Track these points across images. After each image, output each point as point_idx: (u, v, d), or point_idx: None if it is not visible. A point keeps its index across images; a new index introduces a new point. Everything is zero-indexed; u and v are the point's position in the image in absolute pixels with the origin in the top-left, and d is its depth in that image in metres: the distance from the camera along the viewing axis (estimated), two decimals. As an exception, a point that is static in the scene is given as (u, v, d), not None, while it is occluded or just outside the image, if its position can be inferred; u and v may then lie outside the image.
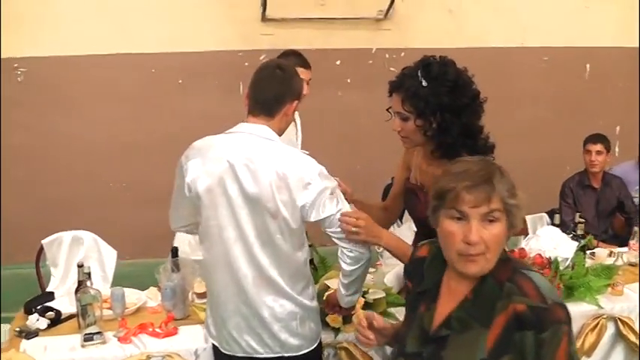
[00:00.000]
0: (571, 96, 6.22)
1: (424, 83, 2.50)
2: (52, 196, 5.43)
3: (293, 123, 3.75)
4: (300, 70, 3.60)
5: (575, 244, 3.53)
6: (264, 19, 5.62)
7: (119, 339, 2.92)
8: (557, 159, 5.90)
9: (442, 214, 1.71)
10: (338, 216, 2.40)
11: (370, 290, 3.06)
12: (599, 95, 6.26)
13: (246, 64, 5.58)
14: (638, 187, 4.98)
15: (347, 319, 2.93)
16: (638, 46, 5.99)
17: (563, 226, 4.65)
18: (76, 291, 2.95)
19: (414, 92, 2.50)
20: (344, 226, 2.41)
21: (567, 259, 3.41)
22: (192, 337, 2.95)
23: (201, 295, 3.25)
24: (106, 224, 4.55)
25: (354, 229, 2.41)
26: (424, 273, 1.87)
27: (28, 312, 3.15)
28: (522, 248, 3.48)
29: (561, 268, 3.36)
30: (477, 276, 1.70)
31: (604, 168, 4.82)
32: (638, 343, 3.25)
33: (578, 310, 3.23)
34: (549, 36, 6.07)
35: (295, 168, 2.36)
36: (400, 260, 2.59)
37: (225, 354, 2.56)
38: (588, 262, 3.67)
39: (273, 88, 2.43)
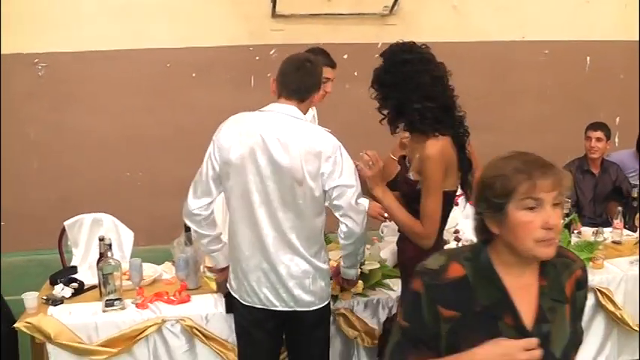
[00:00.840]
0: (572, 89, 6.36)
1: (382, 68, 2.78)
2: (67, 186, 5.66)
3: (314, 120, 3.94)
4: (327, 70, 3.76)
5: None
6: (274, 15, 5.81)
7: (137, 305, 3.21)
8: (558, 151, 5.83)
9: (511, 207, 1.65)
10: (349, 191, 2.69)
11: (366, 262, 3.27)
12: (600, 88, 6.39)
13: (257, 58, 5.82)
14: (633, 173, 5.15)
15: (343, 288, 3.16)
16: (638, 39, 6.13)
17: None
18: (98, 262, 3.20)
19: (375, 76, 2.81)
20: (365, 157, 2.74)
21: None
22: (204, 304, 3.24)
23: (212, 269, 3.46)
24: (120, 214, 4.77)
25: (370, 163, 2.72)
26: (473, 290, 1.73)
27: (54, 283, 3.45)
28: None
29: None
30: (545, 259, 1.71)
31: (603, 154, 5.00)
32: (616, 312, 3.51)
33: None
34: (550, 30, 6.22)
35: (320, 143, 2.70)
36: (391, 215, 2.88)
37: (245, 305, 2.83)
38: (574, 240, 3.88)
39: (306, 78, 2.78)
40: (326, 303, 2.87)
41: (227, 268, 2.95)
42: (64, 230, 4.21)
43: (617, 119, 6.42)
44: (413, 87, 2.70)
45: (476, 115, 6.14)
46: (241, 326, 2.91)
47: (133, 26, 5.66)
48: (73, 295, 3.34)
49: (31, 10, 5.50)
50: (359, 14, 5.93)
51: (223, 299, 3.11)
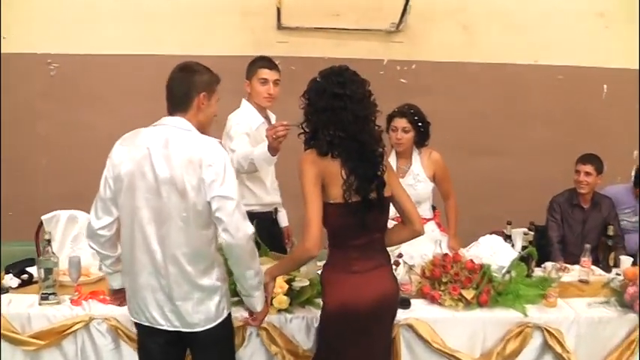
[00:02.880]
0: (586, 117, 6.18)
1: None
2: (74, 182, 5.80)
3: (266, 125, 3.94)
4: (264, 71, 3.86)
5: (513, 254, 3.61)
6: (279, 27, 5.87)
7: (71, 301, 3.30)
8: (566, 179, 5.84)
9: None
10: (229, 203, 2.62)
11: (297, 278, 3.26)
12: (616, 118, 6.19)
13: (261, 69, 5.88)
14: (627, 210, 4.95)
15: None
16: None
17: (548, 241, 4.71)
18: (38, 257, 3.30)
19: (308, 91, 2.85)
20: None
21: (503, 267, 3.51)
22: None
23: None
24: None
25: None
26: None
27: (7, 273, 3.58)
28: (457, 253, 3.60)
29: (497, 275, 3.47)
30: None
31: (593, 189, 4.73)
32: (564, 355, 3.33)
33: (504, 317, 3.37)
34: (565, 55, 6.07)
35: (202, 152, 2.63)
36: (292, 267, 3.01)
37: (134, 321, 2.88)
38: (539, 274, 3.76)
39: (179, 87, 2.74)
40: (216, 323, 2.79)
41: (122, 290, 2.94)
42: (41, 224, 4.37)
43: (635, 152, 6.25)
44: (334, 120, 2.73)
45: (482, 138, 6.20)
46: (139, 336, 2.93)
47: (143, 32, 5.82)
48: (21, 285, 3.46)
49: (46, 11, 5.73)
50: (365, 30, 5.92)
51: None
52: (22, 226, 5.10)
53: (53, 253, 3.32)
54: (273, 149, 3.43)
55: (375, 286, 2.83)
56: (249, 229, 2.67)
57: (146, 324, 2.79)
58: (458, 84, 6.05)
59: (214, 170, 2.61)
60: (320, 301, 3.25)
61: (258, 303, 2.84)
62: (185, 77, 2.74)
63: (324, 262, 2.99)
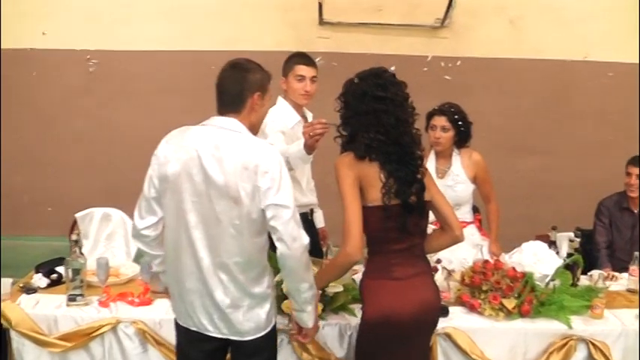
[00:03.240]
0: (638, 116, 5.88)
1: None
2: (109, 180, 5.83)
3: (302, 123, 3.84)
4: (301, 68, 3.74)
5: (558, 262, 3.43)
6: (321, 22, 5.76)
7: (99, 303, 3.23)
8: (616, 180, 5.60)
9: None
10: (285, 212, 2.49)
11: (330, 284, 3.12)
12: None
13: (302, 65, 5.78)
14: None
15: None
16: None
17: (595, 247, 4.50)
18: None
19: (345, 93, 2.80)
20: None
21: (546, 275, 3.33)
22: (163, 309, 3.18)
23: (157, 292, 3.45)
24: None
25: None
26: None
27: (37, 272, 3.52)
28: (498, 260, 3.44)
29: (540, 284, 3.30)
30: None
31: None
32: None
33: (547, 328, 3.18)
34: (616, 51, 5.82)
35: (258, 157, 2.48)
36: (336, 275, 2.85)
37: (182, 326, 2.73)
38: (586, 283, 3.57)
39: (231, 87, 2.57)
40: (265, 332, 2.67)
41: None
42: (75, 222, 4.34)
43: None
44: (375, 123, 2.64)
45: (528, 137, 6.00)
46: (179, 344, 2.81)
47: (181, 28, 5.78)
48: (50, 285, 3.40)
49: (85, 7, 5.73)
50: (409, 25, 5.78)
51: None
52: (61, 221, 5.11)
53: (81, 253, 3.26)
54: (309, 147, 3.30)
55: (417, 293, 2.70)
56: (305, 239, 2.54)
57: (194, 329, 2.67)
58: (504, 81, 5.88)
59: (270, 177, 2.47)
60: (354, 307, 3.16)
61: (310, 319, 2.70)
62: (238, 76, 2.58)
63: (361, 265, 2.89)
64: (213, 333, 2.64)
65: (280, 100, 3.88)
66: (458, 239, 2.87)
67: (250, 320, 2.62)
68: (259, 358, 2.73)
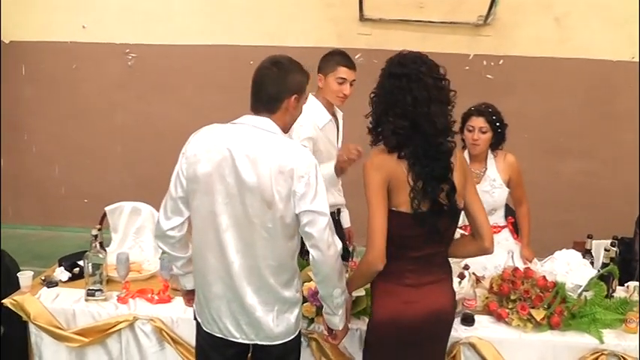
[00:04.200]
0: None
1: None
2: (143, 171, 5.86)
3: (333, 123, 3.77)
4: (343, 70, 3.62)
5: (592, 272, 3.27)
6: (361, 18, 5.68)
7: (118, 299, 3.20)
8: None
9: None
10: (321, 220, 2.41)
11: (352, 288, 3.05)
12: None
13: (342, 62, 5.71)
14: None
15: (320, 310, 2.94)
16: None
17: (635, 257, 4.30)
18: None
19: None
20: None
21: (579, 286, 3.18)
22: (181, 307, 3.11)
23: (178, 291, 3.42)
24: None
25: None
26: None
27: (60, 265, 3.50)
28: (529, 268, 3.29)
29: (572, 295, 3.15)
30: None
31: None
32: (643, 386, 2.97)
33: (578, 341, 3.01)
34: (665, 52, 5.60)
35: (294, 161, 2.39)
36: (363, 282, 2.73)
37: (206, 331, 2.66)
38: (622, 295, 3.41)
39: (270, 86, 2.45)
40: (293, 337, 2.61)
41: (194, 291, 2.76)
42: (104, 215, 4.33)
43: None
44: (392, 103, 2.47)
45: (570, 139, 5.83)
46: (201, 347, 2.74)
47: (221, 22, 5.78)
48: (71, 279, 3.38)
49: (125, 1, 5.76)
50: (451, 23, 5.67)
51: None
52: (96, 213, 5.13)
53: (102, 248, 3.24)
54: (340, 169, 3.24)
55: (428, 301, 2.58)
56: (339, 245, 2.48)
57: (219, 335, 2.60)
58: (547, 81, 5.72)
59: (306, 182, 2.38)
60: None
61: (341, 321, 2.65)
62: (278, 75, 2.46)
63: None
64: (239, 339, 2.58)
65: (311, 99, 3.76)
66: (487, 251, 2.71)
67: (280, 325, 2.56)
68: None
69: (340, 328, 2.67)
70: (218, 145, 2.42)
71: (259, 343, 2.57)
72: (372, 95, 2.57)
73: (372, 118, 2.58)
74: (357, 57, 5.62)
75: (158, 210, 4.17)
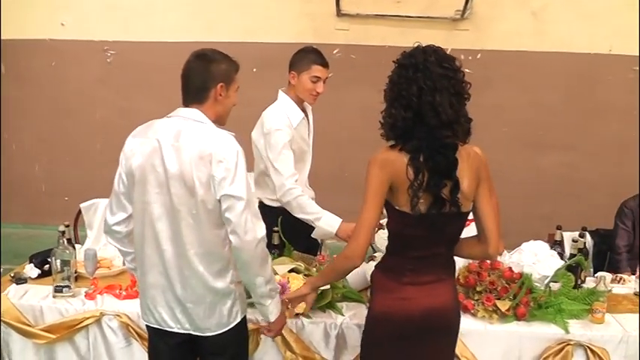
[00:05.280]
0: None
1: None
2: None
3: (305, 119, 3.76)
4: (318, 69, 3.61)
5: (559, 263, 3.29)
6: (339, 14, 5.68)
7: (86, 295, 3.19)
8: None
9: None
10: (238, 204, 2.42)
11: (317, 279, 3.05)
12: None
13: (319, 57, 5.72)
14: None
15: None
16: None
17: (615, 251, 4.30)
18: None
19: None
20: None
21: (546, 276, 3.19)
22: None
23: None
24: None
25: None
26: None
27: (30, 262, 3.50)
28: (498, 261, 3.28)
29: (539, 285, 3.17)
30: None
31: None
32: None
33: (543, 332, 3.02)
34: (641, 44, 5.61)
35: (214, 146, 2.42)
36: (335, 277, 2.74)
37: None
38: (591, 285, 3.42)
39: (195, 77, 2.52)
40: (228, 328, 2.61)
41: None
42: (80, 212, 4.34)
43: None
44: (398, 93, 2.39)
45: (549, 132, 5.84)
46: (149, 336, 2.77)
47: (200, 19, 5.77)
48: (41, 276, 3.38)
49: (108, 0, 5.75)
50: (429, 17, 5.67)
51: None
52: (77, 211, 5.15)
53: (70, 244, 3.25)
54: (342, 238, 3.29)
55: (426, 299, 2.51)
56: (260, 232, 2.48)
57: (155, 326, 2.64)
58: (525, 74, 5.73)
59: (225, 167, 2.41)
60: (342, 305, 3.09)
61: (271, 312, 2.64)
62: (202, 66, 2.52)
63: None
64: (174, 328, 2.61)
65: (282, 96, 3.72)
66: (490, 257, 2.70)
67: (211, 317, 2.58)
68: (223, 354, 2.68)
69: (272, 320, 2.65)
70: (150, 137, 2.51)
71: (193, 333, 2.60)
72: (385, 89, 2.48)
73: (384, 113, 2.49)
74: (334, 52, 5.66)
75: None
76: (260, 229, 2.48)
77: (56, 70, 5.87)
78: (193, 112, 2.51)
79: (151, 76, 5.84)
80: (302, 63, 3.62)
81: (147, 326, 2.73)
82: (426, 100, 2.33)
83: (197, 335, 2.61)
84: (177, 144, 2.44)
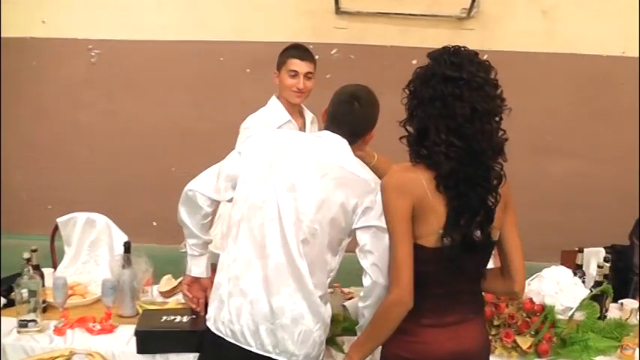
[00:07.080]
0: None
1: None
2: (112, 174, 5.56)
3: (294, 125, 3.55)
4: (294, 62, 3.40)
5: (584, 292, 3.00)
6: (337, 11, 5.37)
7: (55, 329, 2.86)
8: None
9: None
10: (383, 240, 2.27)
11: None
12: None
13: (317, 57, 5.37)
14: None
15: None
16: None
17: (632, 270, 4.01)
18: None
19: (412, 79, 2.34)
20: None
21: (569, 308, 2.91)
22: (124, 338, 2.83)
23: (167, 294, 3.16)
24: (165, 211, 4.52)
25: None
26: None
27: (0, 289, 3.17)
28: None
29: (562, 317, 2.89)
30: None
31: None
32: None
33: (569, 371, 2.75)
34: (657, 46, 5.30)
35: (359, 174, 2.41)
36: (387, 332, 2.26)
37: (216, 335, 2.39)
38: (615, 313, 3.14)
39: (352, 123, 2.49)
40: None
41: (199, 280, 2.70)
42: (56, 227, 4.03)
43: None
44: (445, 114, 2.10)
45: (559, 138, 5.53)
46: (206, 345, 2.47)
47: (189, 16, 5.46)
48: (7, 305, 3.06)
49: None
50: (433, 16, 5.36)
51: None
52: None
53: (35, 271, 2.94)
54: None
55: (450, 343, 2.21)
56: None
57: (229, 340, 2.34)
58: (535, 77, 5.42)
59: (371, 199, 2.35)
60: (342, 340, 2.79)
61: None
62: (363, 115, 2.54)
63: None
64: (254, 348, 2.31)
65: (272, 100, 3.54)
66: (515, 295, 2.42)
67: (304, 344, 2.32)
68: None
69: None
70: (289, 143, 2.53)
71: (274, 358, 2.30)
72: (412, 101, 2.19)
73: (410, 127, 2.20)
74: (333, 52, 5.38)
75: (113, 221, 3.89)
76: None
77: (37, 70, 5.52)
78: (341, 142, 2.54)
79: (138, 76, 5.52)
80: (281, 59, 3.51)
81: (207, 332, 2.42)
82: (479, 128, 2.10)
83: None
84: (319, 163, 2.44)
